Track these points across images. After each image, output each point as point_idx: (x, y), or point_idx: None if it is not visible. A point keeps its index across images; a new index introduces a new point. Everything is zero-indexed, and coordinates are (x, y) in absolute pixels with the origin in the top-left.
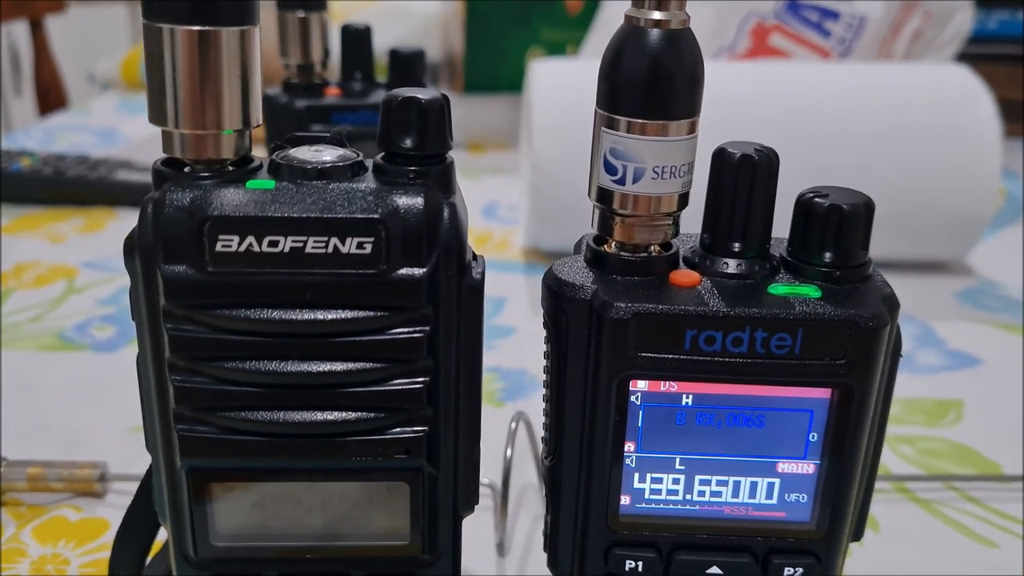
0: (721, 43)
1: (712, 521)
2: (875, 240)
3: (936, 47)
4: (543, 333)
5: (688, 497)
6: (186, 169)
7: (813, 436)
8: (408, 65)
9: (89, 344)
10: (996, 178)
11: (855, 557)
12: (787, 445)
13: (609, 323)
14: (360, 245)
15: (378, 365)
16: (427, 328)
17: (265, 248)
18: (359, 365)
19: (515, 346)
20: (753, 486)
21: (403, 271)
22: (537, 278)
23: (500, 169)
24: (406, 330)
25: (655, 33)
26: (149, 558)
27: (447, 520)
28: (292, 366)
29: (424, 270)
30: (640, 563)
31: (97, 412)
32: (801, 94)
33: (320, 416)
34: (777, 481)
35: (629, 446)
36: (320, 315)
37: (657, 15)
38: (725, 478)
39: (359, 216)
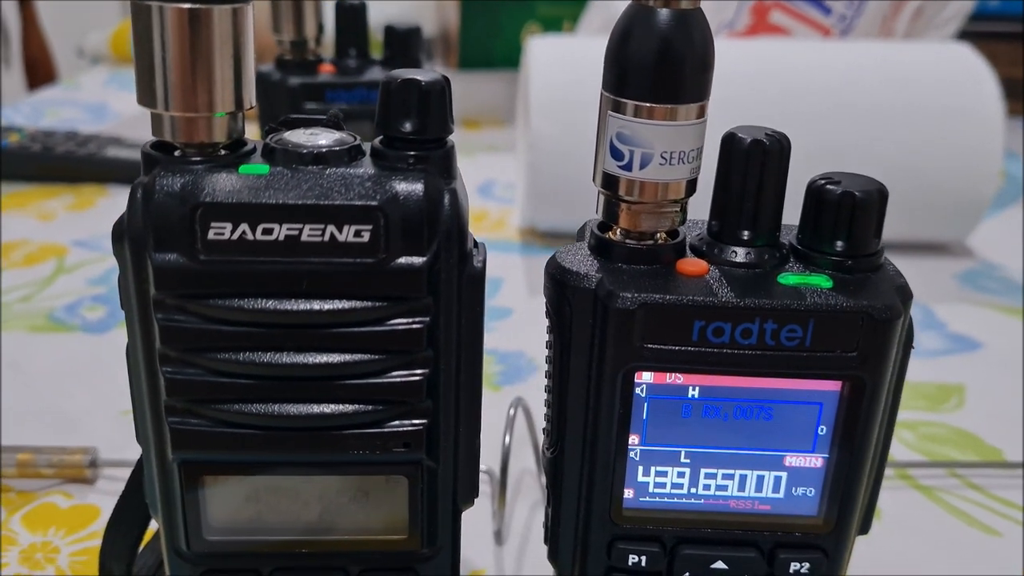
0: (721, 20)
1: (717, 515)
2: None
3: (937, 24)
4: (541, 314)
5: (693, 491)
6: (176, 152)
7: (822, 429)
8: (404, 42)
9: (79, 325)
10: (999, 159)
11: (858, 546)
12: (795, 438)
13: (615, 314)
14: (358, 233)
15: (376, 357)
16: (427, 319)
17: (259, 236)
18: (357, 357)
19: (512, 328)
20: (760, 480)
21: (402, 260)
22: (534, 258)
23: (496, 146)
24: (405, 321)
25: (664, 13)
26: (141, 547)
27: (446, 514)
28: (287, 358)
29: (424, 259)
30: (644, 557)
31: (88, 395)
32: (802, 72)
33: (316, 409)
34: (784, 475)
35: (633, 439)
36: (316, 305)
37: None
38: (731, 471)
39: (357, 203)
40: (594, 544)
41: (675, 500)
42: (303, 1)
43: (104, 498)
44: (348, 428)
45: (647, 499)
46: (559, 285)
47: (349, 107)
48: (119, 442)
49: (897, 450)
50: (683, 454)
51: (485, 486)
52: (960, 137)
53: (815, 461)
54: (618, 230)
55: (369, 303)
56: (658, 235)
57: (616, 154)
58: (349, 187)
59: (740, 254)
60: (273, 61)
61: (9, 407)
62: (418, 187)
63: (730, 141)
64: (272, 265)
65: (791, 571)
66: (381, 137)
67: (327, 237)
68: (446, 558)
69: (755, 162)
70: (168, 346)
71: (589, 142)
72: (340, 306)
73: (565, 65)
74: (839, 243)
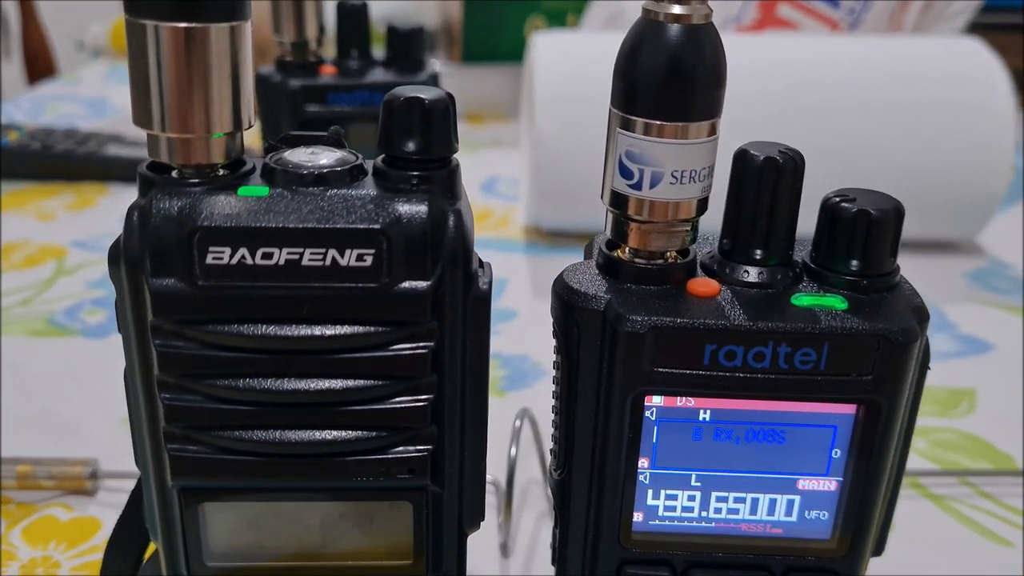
0: (727, 14)
1: (729, 538)
2: None
3: (947, 17)
4: (546, 317)
5: (704, 514)
6: (174, 173)
7: (836, 452)
8: (406, 42)
9: (79, 329)
10: (1011, 155)
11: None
12: (808, 461)
13: (624, 337)
14: (360, 257)
15: (379, 383)
16: (431, 344)
17: (259, 260)
18: (359, 383)
19: (517, 331)
20: (772, 503)
21: (406, 284)
22: (539, 258)
23: (500, 141)
24: (409, 346)
25: (675, 28)
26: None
27: (452, 538)
28: (288, 384)
29: (428, 283)
30: None
31: (88, 401)
32: (810, 67)
33: (318, 436)
34: (797, 498)
35: (643, 462)
36: (318, 331)
37: (677, 9)
38: (743, 495)
39: (359, 226)
40: (603, 568)
41: (685, 524)
42: (304, 1)
43: (105, 510)
44: (351, 455)
45: (657, 523)
46: (566, 306)
47: (351, 109)
48: (120, 450)
49: (909, 458)
50: (694, 477)
51: (491, 497)
52: (971, 133)
53: (829, 484)
54: (627, 248)
55: (372, 328)
56: (668, 254)
57: (625, 172)
58: (351, 210)
59: (752, 274)
60: (274, 63)
61: (9, 414)
62: (422, 209)
63: (743, 158)
64: (272, 290)
65: None
66: (383, 156)
67: (328, 261)
68: None
69: (768, 180)
70: (166, 372)
71: (594, 139)
72: (342, 331)
73: (569, 62)
74: (854, 262)
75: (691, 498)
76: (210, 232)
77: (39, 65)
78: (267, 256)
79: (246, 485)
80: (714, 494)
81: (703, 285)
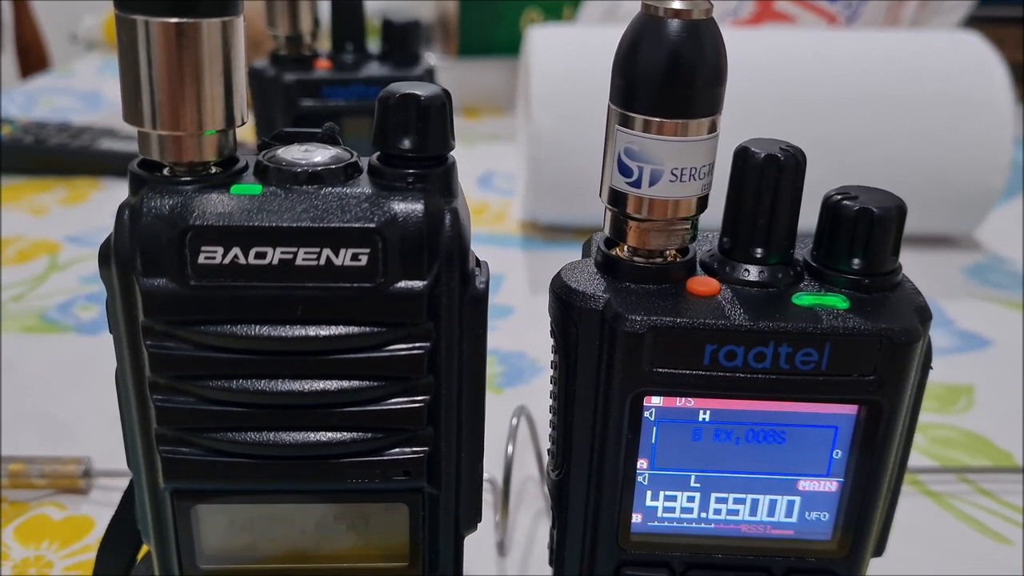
0: (725, 8)
1: (728, 540)
2: None
3: (944, 11)
4: (543, 313)
5: (703, 515)
6: (165, 171)
7: (837, 453)
8: (402, 36)
9: (73, 326)
10: (1009, 150)
11: None
12: (809, 462)
13: (623, 337)
14: (355, 257)
15: (375, 384)
16: (428, 344)
17: (252, 260)
18: (354, 384)
19: (513, 327)
20: (772, 504)
21: (402, 284)
22: (536, 253)
23: (496, 135)
24: (405, 347)
25: (675, 24)
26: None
27: (448, 540)
28: (282, 385)
29: (424, 283)
30: None
31: (82, 399)
32: (807, 61)
33: (313, 437)
34: (798, 499)
35: (642, 463)
36: (312, 331)
37: (677, 4)
38: (743, 496)
39: (354, 225)
40: (601, 569)
41: (685, 525)
42: None
43: (98, 509)
44: (346, 456)
45: (656, 524)
46: (564, 305)
47: (346, 104)
48: (113, 449)
49: None
50: (693, 478)
51: (487, 495)
52: (969, 127)
53: (829, 485)
54: (625, 247)
55: (367, 329)
56: (667, 253)
57: (624, 170)
58: (346, 208)
59: (753, 272)
60: (268, 56)
61: (1, 411)
62: (418, 208)
63: (743, 156)
64: (266, 290)
65: None
66: (378, 154)
67: (323, 261)
68: None
69: (769, 178)
70: (158, 373)
71: (591, 134)
72: (337, 332)
73: (566, 55)
74: (856, 261)
75: (690, 499)
76: (202, 231)
77: (32, 58)
78: (260, 256)
79: (240, 487)
80: (714, 495)
81: (703, 284)
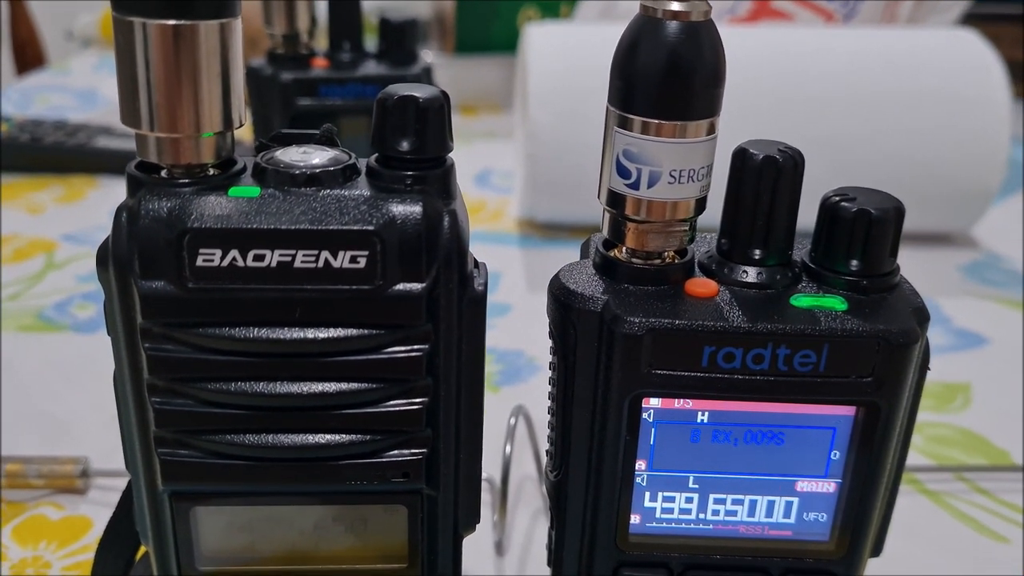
0: (722, 6)
1: (726, 540)
2: None
3: (941, 8)
4: (541, 311)
5: (702, 516)
6: (163, 173)
7: (835, 454)
8: (399, 34)
9: (70, 324)
10: (1006, 147)
11: None
12: (807, 463)
13: (621, 339)
14: (354, 259)
15: (373, 386)
16: (426, 346)
17: (250, 262)
18: (353, 386)
19: (511, 325)
20: (770, 505)
21: (400, 286)
22: (533, 251)
23: (493, 133)
24: (404, 349)
25: (673, 25)
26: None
27: (447, 541)
28: (281, 387)
29: (423, 285)
30: None
31: (79, 398)
32: (805, 59)
33: (312, 439)
34: (796, 500)
35: (640, 464)
36: (311, 334)
37: (676, 6)
38: (741, 497)
39: (352, 227)
40: (599, 570)
41: (683, 526)
42: None
43: (96, 509)
44: (344, 458)
45: (654, 525)
46: (563, 307)
47: (343, 102)
48: (111, 448)
49: None
50: (691, 479)
51: (485, 495)
52: (966, 125)
53: (827, 486)
54: (624, 248)
55: (366, 331)
56: (666, 254)
57: (623, 172)
58: (344, 210)
59: (751, 274)
60: (265, 55)
61: None
62: (416, 210)
63: (742, 157)
64: (264, 293)
65: None
66: (377, 155)
67: (321, 263)
68: None
69: (768, 179)
70: (156, 376)
71: (589, 131)
72: (335, 334)
73: (563, 53)
74: (854, 262)
75: (689, 500)
76: (200, 233)
77: (28, 55)
78: (259, 258)
79: (238, 489)
80: (712, 496)
81: (701, 286)
